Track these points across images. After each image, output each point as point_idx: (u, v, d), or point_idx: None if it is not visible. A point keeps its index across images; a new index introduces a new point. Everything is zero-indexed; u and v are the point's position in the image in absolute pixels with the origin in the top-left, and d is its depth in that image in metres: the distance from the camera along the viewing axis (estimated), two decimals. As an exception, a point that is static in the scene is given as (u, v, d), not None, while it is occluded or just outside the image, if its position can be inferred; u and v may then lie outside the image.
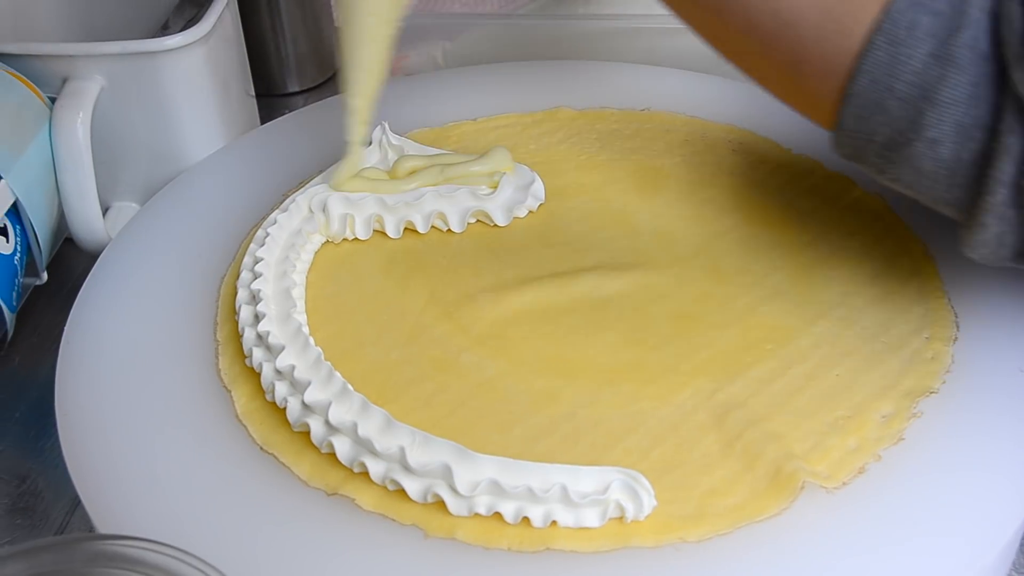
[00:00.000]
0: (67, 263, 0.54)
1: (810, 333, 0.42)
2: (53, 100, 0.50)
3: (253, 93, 0.61)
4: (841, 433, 0.38)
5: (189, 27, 0.52)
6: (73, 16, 0.59)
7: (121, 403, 0.41)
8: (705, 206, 0.49)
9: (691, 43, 0.60)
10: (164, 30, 0.59)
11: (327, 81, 0.72)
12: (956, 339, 0.42)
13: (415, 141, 0.51)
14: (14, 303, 0.48)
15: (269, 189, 0.52)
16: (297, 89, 0.71)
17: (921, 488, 0.36)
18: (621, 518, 0.35)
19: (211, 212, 0.51)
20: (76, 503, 0.43)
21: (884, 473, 0.37)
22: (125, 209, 0.55)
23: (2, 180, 0.46)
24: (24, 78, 0.50)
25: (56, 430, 0.42)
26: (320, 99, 0.62)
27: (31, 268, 0.50)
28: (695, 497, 0.36)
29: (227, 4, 0.55)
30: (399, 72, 0.64)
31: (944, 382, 0.40)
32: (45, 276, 0.51)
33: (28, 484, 0.45)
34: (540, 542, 0.35)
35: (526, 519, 0.35)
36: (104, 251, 0.49)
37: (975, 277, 0.45)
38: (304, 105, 0.66)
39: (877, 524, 0.35)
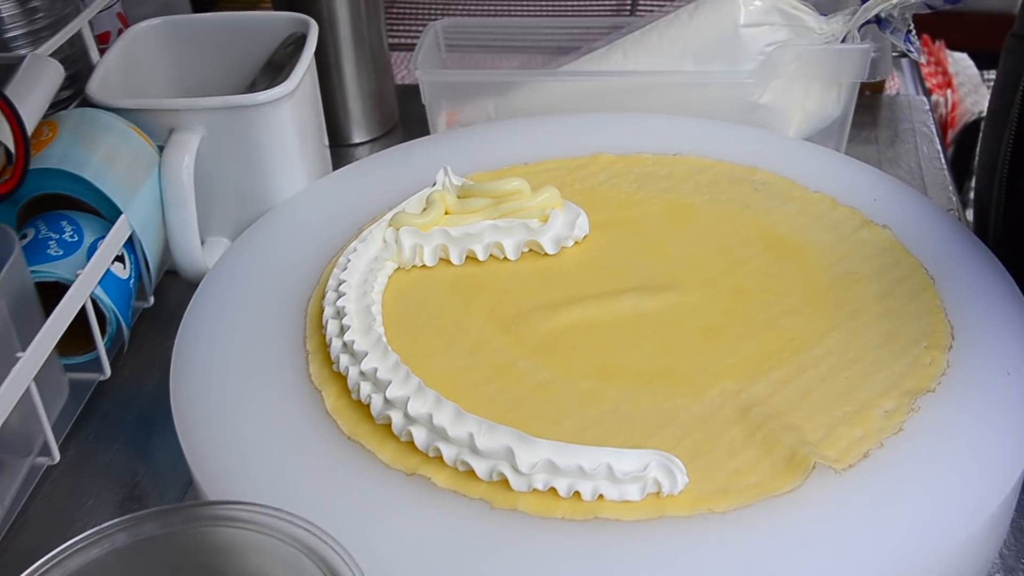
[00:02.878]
0: (166, 292, 0.61)
1: (822, 343, 0.48)
2: (161, 148, 0.58)
3: (327, 143, 0.68)
4: (849, 425, 0.44)
5: (273, 86, 0.60)
6: (173, 76, 0.67)
7: (227, 403, 0.48)
8: (730, 237, 0.56)
9: (717, 95, 0.68)
10: (251, 87, 0.66)
11: (388, 132, 0.79)
12: (951, 347, 0.48)
13: (474, 183, 0.58)
14: (130, 321, 0.55)
15: (344, 225, 0.59)
16: (361, 140, 0.78)
17: (917, 470, 0.42)
18: (658, 493, 0.42)
19: (295, 245, 0.58)
20: (183, 493, 0.50)
21: (885, 458, 0.43)
22: (217, 243, 0.62)
23: (123, 214, 0.54)
24: (138, 129, 0.57)
25: (162, 433, 0.49)
26: (383, 148, 0.69)
27: (140, 293, 0.58)
28: (722, 477, 0.42)
29: (308, 66, 0.62)
30: (456, 124, 0.72)
31: (940, 383, 0.46)
32: (152, 300, 0.59)
33: (140, 477, 0.51)
34: (589, 512, 0.41)
35: (577, 493, 0.41)
36: (204, 278, 0.56)
37: (970, 296, 0.51)
38: (368, 154, 0.73)
39: (878, 500, 0.41)
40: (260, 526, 0.39)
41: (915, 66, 0.86)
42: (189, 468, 0.46)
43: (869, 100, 0.78)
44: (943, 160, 0.71)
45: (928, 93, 0.88)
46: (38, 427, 0.48)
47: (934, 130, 0.75)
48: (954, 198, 0.68)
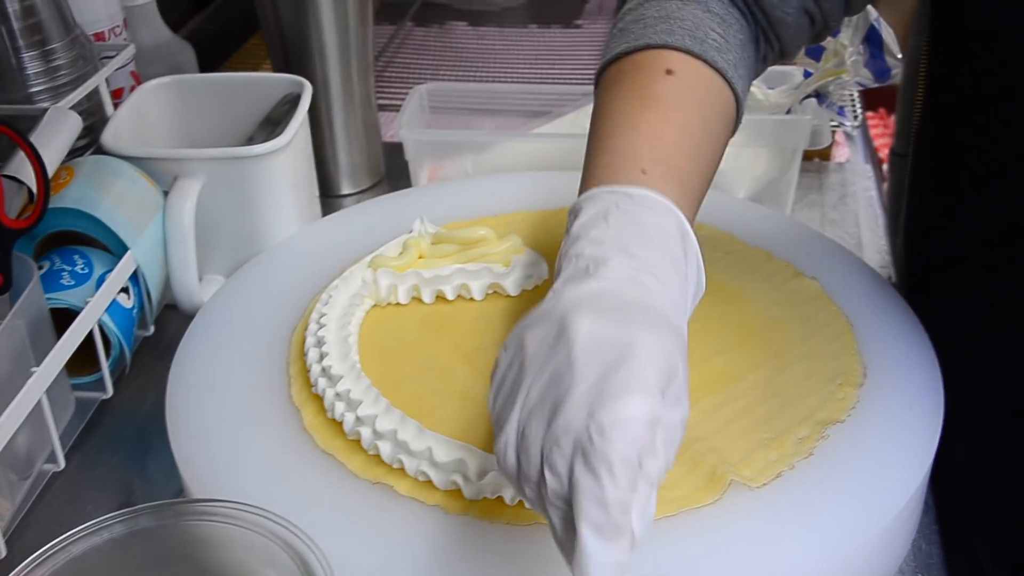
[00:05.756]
0: (165, 323, 0.67)
1: (748, 378, 0.54)
2: (166, 193, 0.64)
3: (317, 193, 0.75)
4: (765, 449, 0.50)
5: (270, 139, 0.66)
6: (179, 129, 0.74)
7: (216, 419, 0.53)
8: (675, 284, 0.62)
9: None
10: (250, 141, 0.73)
11: (374, 185, 0.86)
12: (863, 384, 0.54)
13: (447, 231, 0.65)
14: (132, 346, 0.61)
15: (328, 266, 0.65)
16: (349, 191, 0.84)
17: (822, 488, 0.48)
18: (593, 502, 0.47)
19: (284, 283, 0.64)
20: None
21: (796, 478, 0.49)
22: (213, 280, 0.68)
23: (129, 251, 0.60)
24: (146, 175, 0.64)
25: (157, 449, 0.54)
26: (369, 199, 0.75)
27: (142, 322, 0.64)
28: (650, 490, 0.48)
29: (302, 123, 0.69)
30: (437, 179, 0.78)
31: (849, 415, 0.52)
32: (152, 329, 0.65)
33: (135, 487, 0.57)
34: (531, 518, 0.47)
35: (521, 502, 0.47)
36: (200, 310, 0.62)
37: (883, 340, 0.57)
38: (355, 204, 0.80)
39: (787, 513, 0.47)
40: (242, 521, 0.44)
41: (866, 136, 0.92)
42: (180, 479, 0.52)
43: (817, 166, 0.84)
44: (880, 224, 0.78)
45: (880, 162, 0.95)
46: (47, 436, 0.54)
47: (876, 196, 0.81)
48: (888, 257, 0.74)
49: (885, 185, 0.88)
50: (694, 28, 0.51)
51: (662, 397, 0.38)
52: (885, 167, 1.08)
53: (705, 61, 0.50)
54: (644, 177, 0.47)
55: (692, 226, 0.48)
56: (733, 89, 0.51)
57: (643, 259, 0.43)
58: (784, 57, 0.56)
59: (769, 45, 0.54)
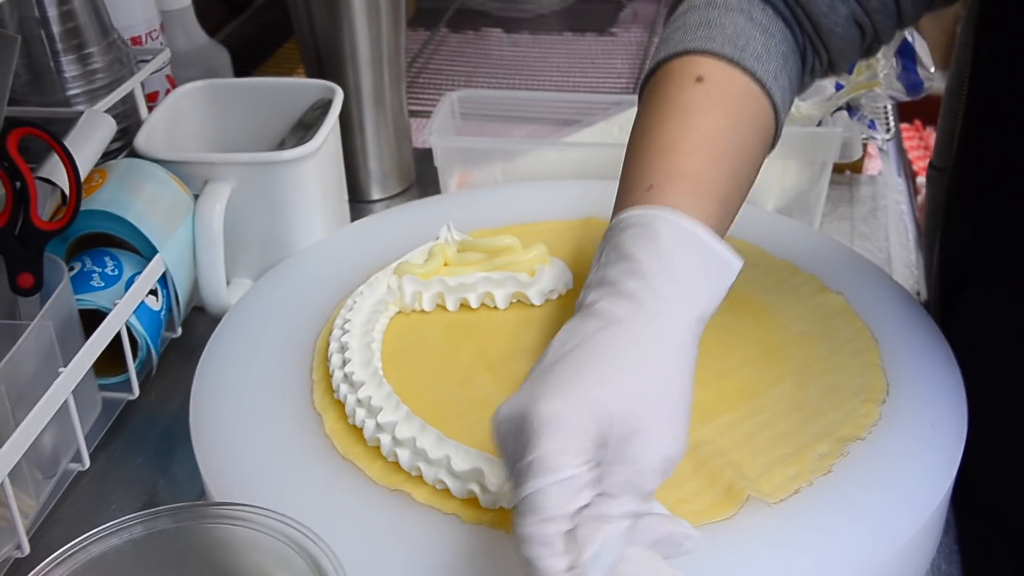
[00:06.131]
0: (193, 325, 0.68)
1: (770, 393, 0.54)
2: (196, 196, 0.65)
3: (347, 198, 0.75)
4: (785, 464, 0.50)
5: (301, 144, 0.67)
6: (212, 133, 0.75)
7: (239, 422, 0.54)
8: (700, 296, 0.62)
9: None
10: (281, 145, 0.73)
11: (404, 191, 0.86)
12: (885, 401, 0.53)
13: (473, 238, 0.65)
14: (159, 348, 0.62)
15: (355, 271, 0.65)
16: (379, 197, 0.85)
17: (839, 506, 0.48)
18: (609, 515, 0.47)
19: (310, 287, 0.64)
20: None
21: (813, 494, 0.48)
22: (241, 284, 0.69)
23: (158, 253, 0.61)
24: (177, 178, 0.65)
25: (182, 450, 0.55)
26: (397, 204, 0.76)
27: (170, 324, 0.64)
28: (668, 503, 0.47)
29: (331, 128, 0.69)
30: (466, 185, 0.78)
31: (871, 432, 0.51)
32: (180, 331, 0.65)
33: (159, 488, 0.58)
34: (547, 529, 0.47)
35: (538, 512, 0.47)
36: (227, 313, 0.63)
37: (908, 357, 0.56)
38: (384, 209, 0.80)
39: (803, 529, 0.47)
40: (258, 525, 0.45)
41: (899, 149, 0.92)
42: (202, 481, 0.52)
43: (848, 179, 0.84)
44: (911, 238, 0.77)
45: (914, 175, 0.94)
46: (72, 436, 0.55)
47: (907, 210, 0.81)
48: (917, 271, 0.73)
49: (919, 199, 0.87)
50: (735, 36, 0.50)
51: (589, 451, 0.39)
52: (919, 180, 1.07)
53: (743, 68, 0.50)
54: (648, 193, 0.47)
55: (720, 225, 0.47)
56: (772, 99, 0.51)
57: (616, 283, 0.44)
58: (833, 70, 0.55)
59: (817, 57, 0.54)
